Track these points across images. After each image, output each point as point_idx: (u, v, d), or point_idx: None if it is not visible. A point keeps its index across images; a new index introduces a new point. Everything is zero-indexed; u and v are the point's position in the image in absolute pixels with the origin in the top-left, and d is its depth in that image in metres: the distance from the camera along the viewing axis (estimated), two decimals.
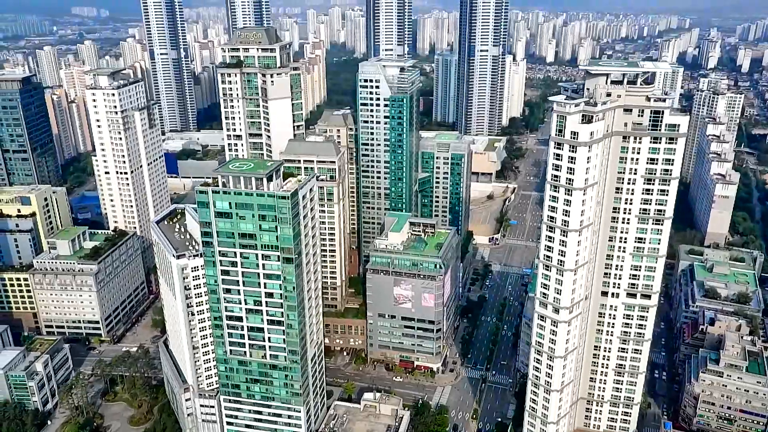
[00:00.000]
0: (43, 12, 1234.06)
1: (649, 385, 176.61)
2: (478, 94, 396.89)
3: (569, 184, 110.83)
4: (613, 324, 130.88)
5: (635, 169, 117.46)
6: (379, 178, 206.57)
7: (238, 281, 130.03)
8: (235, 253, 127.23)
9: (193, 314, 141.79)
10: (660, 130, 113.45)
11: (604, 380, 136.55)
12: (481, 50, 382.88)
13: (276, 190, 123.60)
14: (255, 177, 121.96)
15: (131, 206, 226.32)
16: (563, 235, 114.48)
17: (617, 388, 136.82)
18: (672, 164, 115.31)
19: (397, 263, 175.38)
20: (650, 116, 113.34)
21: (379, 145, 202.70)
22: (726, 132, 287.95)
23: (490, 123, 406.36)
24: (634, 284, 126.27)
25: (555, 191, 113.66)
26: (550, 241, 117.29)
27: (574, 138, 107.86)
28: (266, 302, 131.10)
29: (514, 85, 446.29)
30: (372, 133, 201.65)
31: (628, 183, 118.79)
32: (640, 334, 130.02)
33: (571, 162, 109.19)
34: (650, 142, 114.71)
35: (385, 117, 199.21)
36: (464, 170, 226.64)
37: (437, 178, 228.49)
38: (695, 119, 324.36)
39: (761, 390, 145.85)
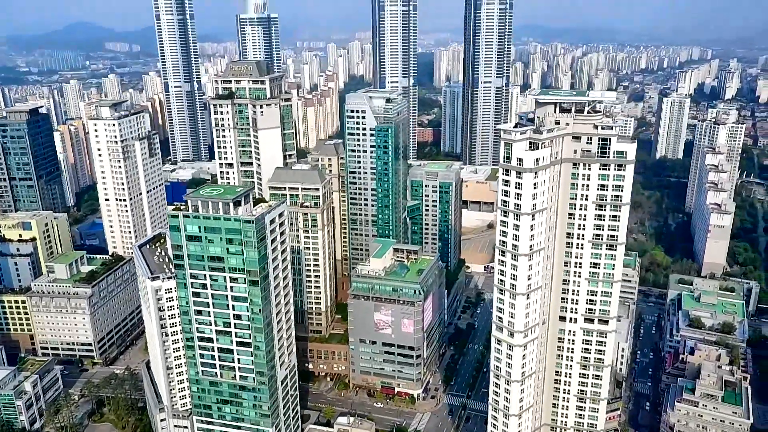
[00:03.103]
0: (79, 48, 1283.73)
1: (631, 415, 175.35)
2: (482, 125, 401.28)
3: (517, 209, 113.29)
4: (572, 349, 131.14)
5: (586, 195, 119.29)
6: (366, 205, 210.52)
7: (208, 303, 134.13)
8: (204, 275, 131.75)
9: (167, 335, 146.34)
10: (608, 157, 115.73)
11: (567, 406, 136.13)
12: (485, 82, 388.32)
13: (244, 214, 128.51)
14: (222, 202, 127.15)
15: (129, 232, 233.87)
16: (514, 260, 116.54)
17: (580, 415, 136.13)
18: (622, 190, 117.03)
19: (377, 289, 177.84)
20: (598, 143, 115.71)
21: (365, 173, 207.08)
22: (725, 162, 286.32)
23: (495, 153, 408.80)
24: (591, 309, 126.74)
25: (505, 216, 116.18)
26: (503, 265, 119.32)
27: (519, 164, 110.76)
28: (235, 324, 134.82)
29: None
30: (359, 162, 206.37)
31: (580, 209, 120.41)
32: (600, 359, 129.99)
33: (518, 188, 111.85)
34: (599, 168, 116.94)
35: (371, 146, 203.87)
36: (452, 198, 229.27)
37: (426, 206, 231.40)
38: (696, 149, 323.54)
39: (737, 420, 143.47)
